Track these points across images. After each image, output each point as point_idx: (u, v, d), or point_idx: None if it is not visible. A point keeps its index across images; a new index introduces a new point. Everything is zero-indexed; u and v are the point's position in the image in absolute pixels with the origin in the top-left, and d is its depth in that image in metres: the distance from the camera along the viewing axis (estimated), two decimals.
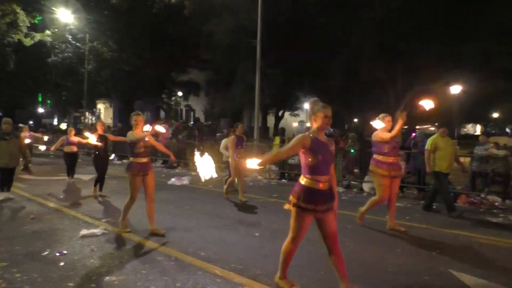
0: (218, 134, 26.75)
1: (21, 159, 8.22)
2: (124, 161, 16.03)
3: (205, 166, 3.66)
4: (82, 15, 23.90)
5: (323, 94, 29.93)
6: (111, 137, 9.02)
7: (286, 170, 12.42)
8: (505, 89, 23.19)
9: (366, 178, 10.27)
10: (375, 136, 6.01)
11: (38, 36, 24.05)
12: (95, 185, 8.69)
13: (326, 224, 3.51)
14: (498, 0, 17.03)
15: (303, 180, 3.50)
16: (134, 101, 30.48)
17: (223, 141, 9.92)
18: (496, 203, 8.33)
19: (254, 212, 7.38)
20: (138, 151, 5.52)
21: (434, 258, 4.75)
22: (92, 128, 24.52)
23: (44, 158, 18.08)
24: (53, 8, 22.90)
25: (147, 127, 5.74)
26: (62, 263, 4.34)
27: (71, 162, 10.48)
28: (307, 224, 3.52)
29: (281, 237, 5.57)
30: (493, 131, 41.23)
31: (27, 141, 12.52)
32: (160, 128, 5.91)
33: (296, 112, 38.23)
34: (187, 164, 14.93)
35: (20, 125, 16.91)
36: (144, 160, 5.59)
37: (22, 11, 21.46)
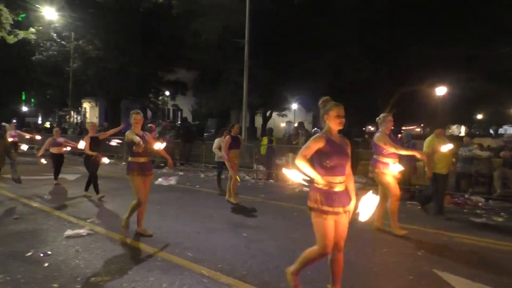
0: (205, 134, 26.66)
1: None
2: (112, 161, 15.88)
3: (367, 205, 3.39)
4: (67, 13, 23.60)
5: (310, 95, 30.17)
6: (103, 136, 8.65)
7: (274, 170, 12.44)
8: (489, 91, 23.62)
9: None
10: (378, 140, 5.83)
11: (22, 34, 23.64)
12: (95, 189, 8.31)
13: (338, 227, 3.40)
14: (482, 3, 17.32)
15: (319, 184, 3.34)
16: (120, 100, 30.19)
17: (216, 141, 9.85)
18: (480, 204, 8.48)
19: (241, 212, 7.38)
20: (137, 151, 5.39)
21: (418, 258, 4.81)
22: (77, 127, 24.25)
23: (29, 157, 17.80)
24: (37, 5, 22.56)
25: (159, 145, 5.69)
26: (46, 264, 4.28)
27: (57, 163, 10.18)
28: (330, 230, 3.33)
29: (269, 237, 5.61)
30: (477, 132, 41.91)
31: (10, 139, 12.33)
32: (159, 145, 5.77)
33: (283, 112, 38.35)
34: (174, 164, 14.85)
35: (4, 124, 16.64)
36: (143, 160, 5.46)
37: (5, 8, 21.05)
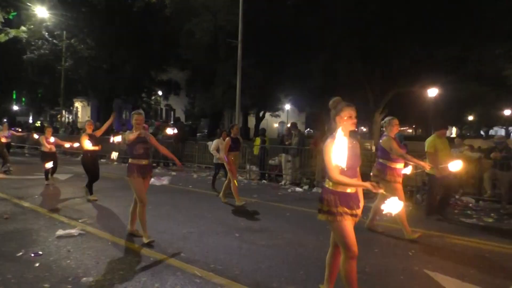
0: (198, 134, 26.61)
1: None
2: (102, 160, 15.81)
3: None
4: (58, 12, 23.43)
5: (303, 95, 30.28)
6: (98, 133, 8.39)
7: (266, 171, 12.46)
8: (480, 93, 23.85)
9: None
10: (385, 144, 5.73)
11: (13, 32, 23.38)
12: (91, 193, 8.09)
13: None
14: (473, 5, 17.50)
15: (333, 185, 3.23)
16: (113, 99, 30.05)
17: (214, 142, 9.67)
18: (470, 204, 8.55)
19: (234, 212, 7.38)
20: (138, 152, 5.21)
21: (409, 258, 4.85)
22: (68, 127, 24.08)
23: (19, 157, 17.66)
24: (28, 4, 22.36)
25: (171, 131, 5.45)
26: (37, 264, 4.25)
27: (50, 162, 9.94)
28: (350, 230, 3.24)
29: (261, 237, 5.62)
30: (468, 134, 42.29)
31: (3, 140, 12.19)
32: (170, 131, 5.73)
33: (276, 113, 38.45)
34: (167, 164, 14.82)
35: None
36: (144, 162, 5.26)
37: None
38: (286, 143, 11.86)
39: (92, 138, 8.09)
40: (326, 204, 3.22)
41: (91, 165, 8.14)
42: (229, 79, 21.86)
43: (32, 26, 24.38)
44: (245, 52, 16.80)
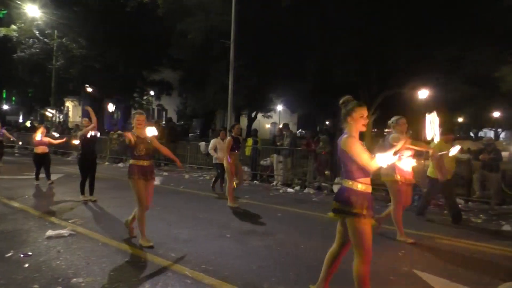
0: (190, 135, 26.54)
1: None
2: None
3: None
4: (50, 11, 23.24)
5: (295, 96, 30.36)
6: (91, 130, 8.01)
7: (258, 171, 12.48)
8: (470, 95, 24.06)
9: (336, 180, 10.45)
10: (395, 140, 5.50)
11: (3, 31, 23.24)
12: (82, 193, 7.92)
13: None
14: (466, 8, 17.67)
15: (357, 186, 3.14)
16: (104, 99, 29.86)
17: (212, 142, 9.60)
18: (459, 205, 8.64)
19: (225, 213, 7.38)
20: (139, 153, 5.04)
21: (399, 259, 4.89)
22: (59, 126, 23.88)
23: (9, 156, 17.48)
24: (19, 2, 22.18)
25: (151, 131, 5.07)
26: (26, 265, 4.22)
27: (43, 164, 9.71)
28: (370, 233, 3.16)
29: (252, 238, 5.64)
30: (458, 135, 42.63)
31: None
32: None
33: (269, 113, 38.49)
34: (158, 164, 14.77)
35: None
36: (146, 163, 5.09)
37: None
38: (278, 143, 11.90)
39: (89, 137, 7.92)
40: (354, 206, 3.10)
41: (86, 165, 7.94)
42: (221, 79, 21.81)
43: (23, 25, 24.22)
44: (238, 52, 16.79)
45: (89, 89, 9.25)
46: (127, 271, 4.16)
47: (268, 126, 50.19)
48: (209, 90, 24.13)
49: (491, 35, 17.47)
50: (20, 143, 15.45)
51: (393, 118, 5.80)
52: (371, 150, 3.39)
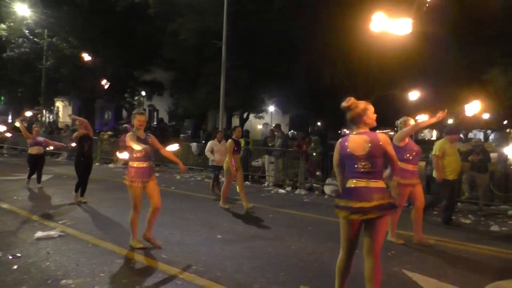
0: (182, 135, 26.49)
1: None
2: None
3: None
4: (39, 10, 23.04)
5: (287, 97, 30.42)
6: (85, 130, 7.89)
7: (250, 172, 12.48)
8: (459, 96, 24.31)
9: (328, 181, 10.50)
10: (397, 138, 5.56)
11: None
12: (76, 191, 7.83)
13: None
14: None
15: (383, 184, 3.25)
16: (95, 99, 29.68)
17: (209, 144, 9.40)
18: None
19: (216, 214, 7.38)
20: (137, 155, 4.89)
21: (389, 259, 4.92)
22: (48, 127, 23.66)
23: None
24: (8, 0, 21.95)
25: (173, 147, 5.16)
26: (15, 266, 4.18)
27: (37, 165, 9.38)
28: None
29: (243, 238, 5.64)
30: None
31: None
32: (172, 148, 5.37)
33: (260, 114, 38.52)
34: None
35: None
36: (144, 165, 4.92)
37: None
38: (270, 144, 11.91)
39: (84, 137, 7.82)
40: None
41: (83, 168, 7.85)
42: (213, 80, 21.79)
43: (12, 24, 24.00)
44: (230, 53, 16.81)
45: (106, 85, 9.14)
46: (117, 272, 4.14)
47: (260, 127, 50.21)
48: (201, 90, 24.08)
49: (479, 38, 17.70)
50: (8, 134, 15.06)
51: (401, 119, 5.74)
52: None
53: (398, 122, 5.78)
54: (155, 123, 30.77)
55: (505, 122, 40.03)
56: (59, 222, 6.15)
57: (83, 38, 24.37)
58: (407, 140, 5.54)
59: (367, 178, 3.18)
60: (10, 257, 4.46)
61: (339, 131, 46.12)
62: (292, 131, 49.92)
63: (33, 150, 9.34)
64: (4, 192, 8.64)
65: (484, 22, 18.42)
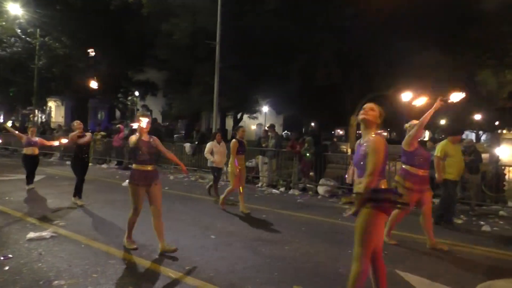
0: (175, 136, 26.41)
1: None
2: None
3: None
4: (32, 9, 22.87)
5: (281, 98, 30.43)
6: (79, 134, 7.71)
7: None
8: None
9: (321, 181, 10.53)
10: (405, 142, 5.52)
11: None
12: (74, 195, 7.71)
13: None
14: (446, 13, 18.02)
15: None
16: (88, 99, 29.52)
17: (208, 145, 9.18)
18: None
19: (210, 214, 7.37)
20: (141, 158, 4.78)
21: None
22: (40, 127, 23.49)
23: None
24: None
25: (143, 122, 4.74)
26: (6, 267, 4.15)
27: (32, 166, 9.15)
28: None
29: (237, 239, 5.64)
30: (441, 137, 43.29)
31: None
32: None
33: (254, 115, 38.52)
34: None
35: None
36: (149, 168, 4.84)
37: None
38: (263, 145, 11.92)
39: (81, 139, 7.68)
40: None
41: (79, 167, 7.71)
42: (207, 80, 21.77)
43: (4, 23, 23.77)
44: (224, 53, 16.79)
45: (93, 85, 9.00)
46: (110, 272, 4.12)
47: (253, 127, 50.22)
48: (194, 91, 24.04)
49: (471, 40, 17.84)
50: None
51: (409, 122, 5.67)
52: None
53: (406, 125, 5.71)
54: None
55: (496, 123, 40.41)
56: (52, 223, 6.11)
57: (76, 37, 24.23)
58: (416, 144, 5.50)
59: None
60: (2, 258, 4.42)
61: (333, 132, 46.30)
62: (286, 131, 50.03)
63: (28, 151, 9.12)
64: None
65: (475, 24, 18.58)
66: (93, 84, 7.64)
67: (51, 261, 4.39)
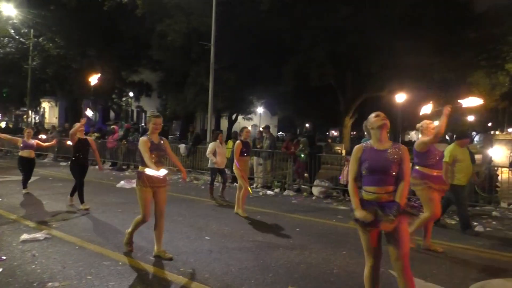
0: (170, 137, 26.36)
1: None
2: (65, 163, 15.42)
3: None
4: (25, 9, 22.73)
5: (275, 99, 30.50)
6: (75, 138, 7.48)
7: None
8: (442, 98, 24.68)
9: (315, 182, 10.55)
10: (418, 145, 5.41)
11: None
12: (71, 195, 7.58)
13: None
14: (438, 15, 18.20)
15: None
16: (82, 100, 29.39)
17: (211, 145, 9.11)
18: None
19: (204, 216, 7.36)
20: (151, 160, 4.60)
21: None
22: (34, 128, 23.35)
23: None
24: None
25: (163, 172, 4.51)
26: (0, 269, 4.13)
27: (28, 169, 8.91)
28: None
29: (232, 240, 5.65)
30: None
31: None
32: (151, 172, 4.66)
33: (249, 116, 38.51)
34: (137, 166, 14.60)
35: None
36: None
37: None
38: (258, 146, 11.93)
39: (82, 142, 7.53)
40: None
41: (79, 171, 7.53)
42: (201, 81, 21.77)
43: None
44: (218, 54, 16.80)
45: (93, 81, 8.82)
46: (104, 274, 4.11)
47: (248, 128, 50.26)
48: (189, 92, 24.03)
49: (464, 42, 18.00)
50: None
51: (423, 122, 5.50)
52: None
53: (418, 125, 5.58)
54: (143, 124, 30.55)
55: (489, 124, 40.73)
56: (45, 225, 6.08)
57: (69, 38, 24.11)
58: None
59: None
60: None
61: (327, 133, 46.41)
62: (280, 132, 50.10)
63: (24, 153, 8.91)
64: None
65: (470, 25, 18.75)
66: (94, 79, 7.45)
67: (45, 263, 4.37)
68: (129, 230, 4.89)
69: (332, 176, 11.20)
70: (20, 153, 9.02)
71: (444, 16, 18.09)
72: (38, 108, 40.56)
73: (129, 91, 34.45)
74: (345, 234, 6.25)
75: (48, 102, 38.99)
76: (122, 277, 4.05)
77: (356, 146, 3.36)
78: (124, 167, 14.69)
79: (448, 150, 6.54)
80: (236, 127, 31.43)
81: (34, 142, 9.08)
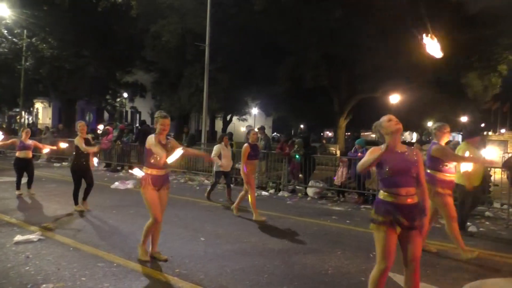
0: None
1: None
2: (64, 163, 15.35)
3: None
4: (19, 9, 22.57)
5: (270, 100, 30.52)
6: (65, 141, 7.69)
7: (233, 174, 12.45)
8: (439, 99, 24.84)
9: (310, 183, 10.58)
10: (437, 152, 5.18)
11: None
12: (76, 202, 7.32)
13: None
14: (431, 15, 18.28)
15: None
16: (75, 101, 29.23)
17: (216, 148, 8.94)
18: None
19: (199, 217, 7.36)
20: (156, 161, 4.53)
21: (370, 260, 4.99)
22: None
23: None
24: None
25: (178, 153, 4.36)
26: None
27: (25, 170, 8.72)
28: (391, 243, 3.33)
29: (226, 241, 5.65)
30: (428, 139, 43.77)
31: None
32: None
33: (244, 116, 38.52)
34: (131, 167, 14.55)
35: None
36: (162, 172, 4.61)
37: None
38: None
39: (87, 142, 7.37)
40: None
41: (81, 174, 7.34)
42: (196, 82, 21.74)
43: None
44: (213, 55, 16.79)
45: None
46: (99, 276, 4.09)
47: (243, 129, 50.22)
48: (183, 92, 23.97)
49: (457, 43, 18.10)
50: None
51: (436, 124, 5.34)
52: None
53: (432, 127, 5.42)
54: (138, 125, 30.38)
55: (482, 125, 41.02)
56: (39, 226, 6.04)
57: (63, 39, 23.97)
58: None
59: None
60: None
61: (321, 134, 46.51)
62: (275, 133, 50.13)
63: (21, 154, 8.70)
64: None
65: (464, 27, 18.88)
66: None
67: (38, 265, 4.35)
68: (142, 238, 4.71)
69: (326, 177, 11.24)
70: (17, 154, 8.79)
71: (436, 18, 18.20)
72: (32, 109, 40.29)
73: (123, 92, 34.30)
74: (340, 234, 6.28)
75: (42, 102, 38.70)
76: (117, 279, 4.04)
77: (374, 147, 3.35)
78: (118, 168, 14.63)
79: (460, 150, 6.33)
80: (231, 128, 31.45)
81: (31, 142, 8.88)
